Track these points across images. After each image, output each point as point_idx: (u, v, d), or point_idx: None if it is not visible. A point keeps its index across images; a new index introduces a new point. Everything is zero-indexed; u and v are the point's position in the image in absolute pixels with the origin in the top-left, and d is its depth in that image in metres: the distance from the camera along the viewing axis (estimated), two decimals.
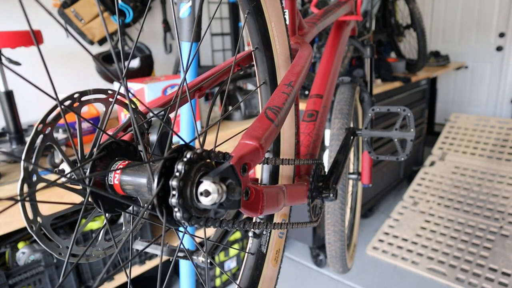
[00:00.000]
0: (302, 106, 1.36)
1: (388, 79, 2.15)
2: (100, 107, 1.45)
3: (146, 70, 1.64)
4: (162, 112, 0.38)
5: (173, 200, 0.27)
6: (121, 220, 1.34)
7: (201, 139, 0.37)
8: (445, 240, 1.91)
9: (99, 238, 0.38)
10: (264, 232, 0.55)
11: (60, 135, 1.22)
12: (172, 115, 0.39)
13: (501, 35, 3.16)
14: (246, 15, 0.46)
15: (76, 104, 0.32)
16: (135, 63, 1.60)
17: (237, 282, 0.52)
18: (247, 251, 0.54)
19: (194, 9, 1.01)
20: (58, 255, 0.33)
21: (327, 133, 1.04)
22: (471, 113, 3.41)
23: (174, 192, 0.27)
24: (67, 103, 0.31)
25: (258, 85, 0.53)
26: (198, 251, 0.44)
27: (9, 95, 1.14)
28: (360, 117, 1.18)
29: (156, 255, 1.40)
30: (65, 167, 0.32)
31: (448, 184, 2.36)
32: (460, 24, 3.38)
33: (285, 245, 0.58)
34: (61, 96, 0.29)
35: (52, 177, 0.53)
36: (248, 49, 0.52)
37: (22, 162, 0.28)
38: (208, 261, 0.43)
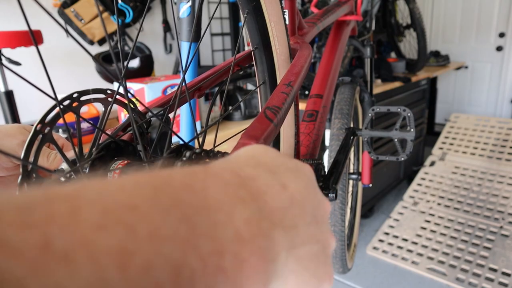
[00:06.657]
0: (302, 106, 1.36)
1: (388, 79, 2.15)
2: (99, 107, 1.45)
3: (146, 70, 1.64)
4: (162, 112, 0.38)
5: None
6: None
7: (200, 139, 0.37)
8: (445, 240, 1.91)
9: None
10: None
11: (59, 135, 1.22)
12: (171, 115, 0.39)
13: (501, 35, 3.16)
14: (245, 15, 0.46)
15: (75, 104, 0.32)
16: (135, 63, 1.60)
17: None
18: None
19: (194, 9, 1.01)
20: None
21: (327, 133, 1.04)
22: (471, 113, 3.41)
23: None
24: (66, 102, 0.31)
25: (257, 85, 0.53)
26: None
27: (9, 95, 1.14)
28: (360, 117, 1.18)
29: None
30: (64, 166, 0.32)
31: (448, 184, 2.36)
32: (460, 24, 3.38)
33: None
34: (60, 96, 0.29)
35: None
36: (248, 49, 0.52)
37: (21, 162, 0.28)
38: None
